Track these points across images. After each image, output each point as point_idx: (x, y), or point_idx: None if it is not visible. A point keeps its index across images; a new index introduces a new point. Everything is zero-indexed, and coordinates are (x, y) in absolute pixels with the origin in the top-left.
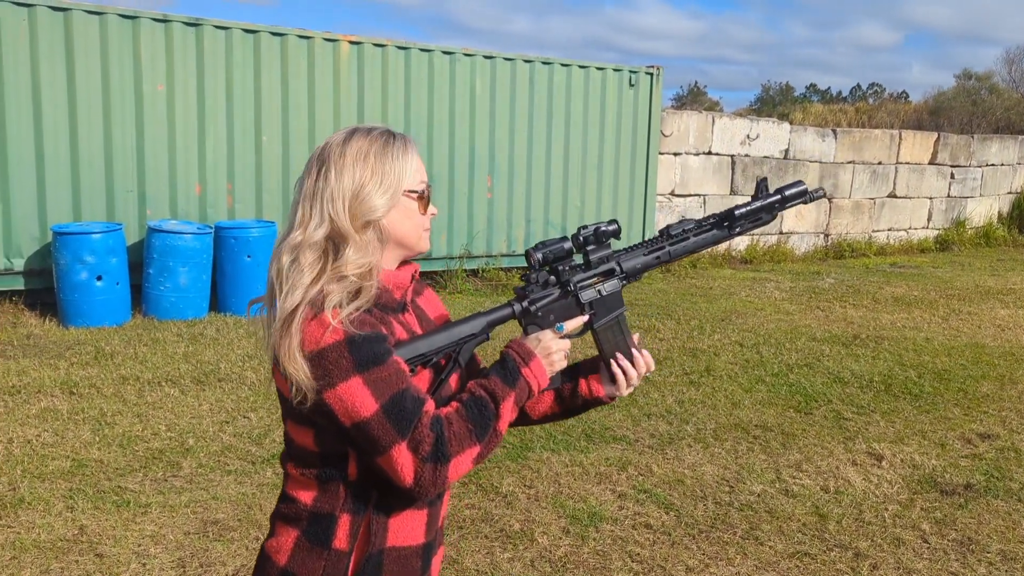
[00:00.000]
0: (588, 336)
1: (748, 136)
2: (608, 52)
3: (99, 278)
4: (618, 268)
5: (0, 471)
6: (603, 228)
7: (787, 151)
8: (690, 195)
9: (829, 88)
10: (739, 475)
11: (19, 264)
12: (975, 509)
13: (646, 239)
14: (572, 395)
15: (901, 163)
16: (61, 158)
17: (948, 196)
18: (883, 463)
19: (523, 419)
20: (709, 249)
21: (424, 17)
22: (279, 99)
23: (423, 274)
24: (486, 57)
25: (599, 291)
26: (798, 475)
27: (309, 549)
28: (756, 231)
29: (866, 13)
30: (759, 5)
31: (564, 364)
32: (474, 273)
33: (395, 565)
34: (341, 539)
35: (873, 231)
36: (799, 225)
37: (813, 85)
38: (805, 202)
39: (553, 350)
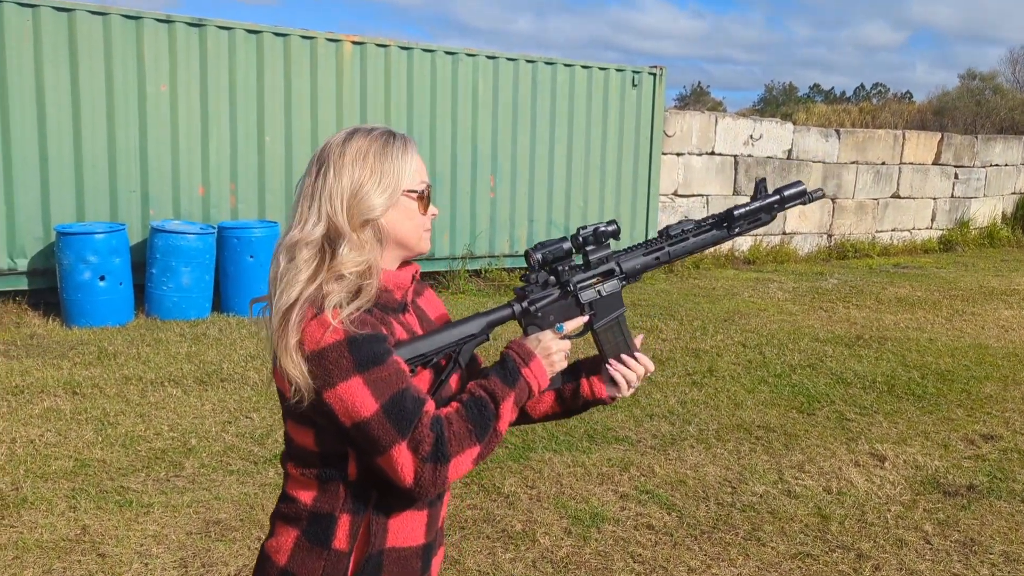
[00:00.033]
0: (588, 336)
1: (751, 136)
2: (611, 52)
3: (102, 278)
4: (618, 268)
5: (3, 471)
6: (602, 228)
7: (790, 151)
8: (693, 195)
9: (833, 88)
10: (741, 476)
11: (23, 264)
12: (978, 510)
13: (646, 240)
14: (573, 395)
15: (905, 163)
16: (65, 159)
17: (952, 196)
18: (886, 464)
19: (524, 418)
20: (712, 250)
21: (427, 17)
22: (282, 99)
23: (426, 274)
24: (489, 57)
25: (599, 291)
26: (800, 476)
27: (309, 549)
28: (759, 232)
29: (870, 13)
30: (762, 5)
31: (564, 365)
32: (477, 273)
33: (395, 565)
34: (341, 539)
35: (877, 231)
36: (802, 226)
37: (817, 85)
38: (804, 203)
39: (553, 350)
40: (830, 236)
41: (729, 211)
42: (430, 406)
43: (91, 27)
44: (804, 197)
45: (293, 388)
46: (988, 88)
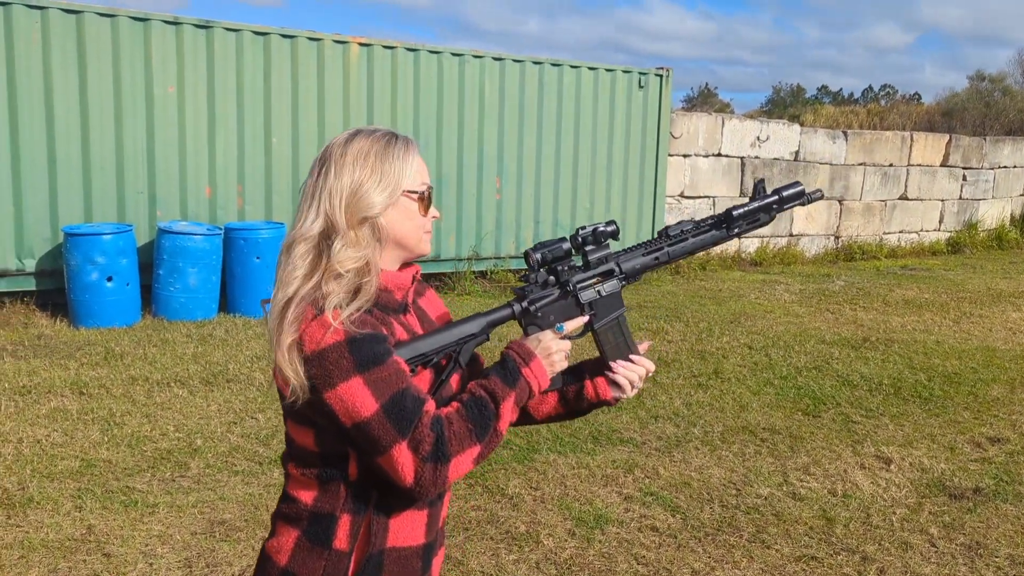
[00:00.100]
0: (589, 336)
1: (758, 138)
2: (619, 54)
3: (109, 279)
4: (617, 269)
5: (10, 470)
6: (601, 229)
7: (797, 153)
8: (699, 197)
9: (841, 90)
10: (746, 478)
11: (31, 265)
12: (984, 513)
13: (645, 240)
14: (577, 397)
15: (912, 165)
16: (73, 160)
17: (960, 198)
18: (891, 467)
19: (527, 419)
20: (719, 252)
21: (434, 19)
22: (289, 101)
23: (432, 276)
24: (495, 59)
25: (599, 291)
26: (805, 478)
27: (310, 549)
28: (766, 233)
29: (879, 14)
30: (770, 6)
31: (564, 365)
32: (483, 275)
33: (395, 565)
34: (341, 539)
35: (884, 233)
36: (809, 227)
37: (825, 87)
38: (803, 203)
39: (553, 350)
40: (837, 238)
41: (728, 211)
42: (430, 406)
43: (99, 29)
44: (803, 198)
45: (291, 387)
46: (997, 90)
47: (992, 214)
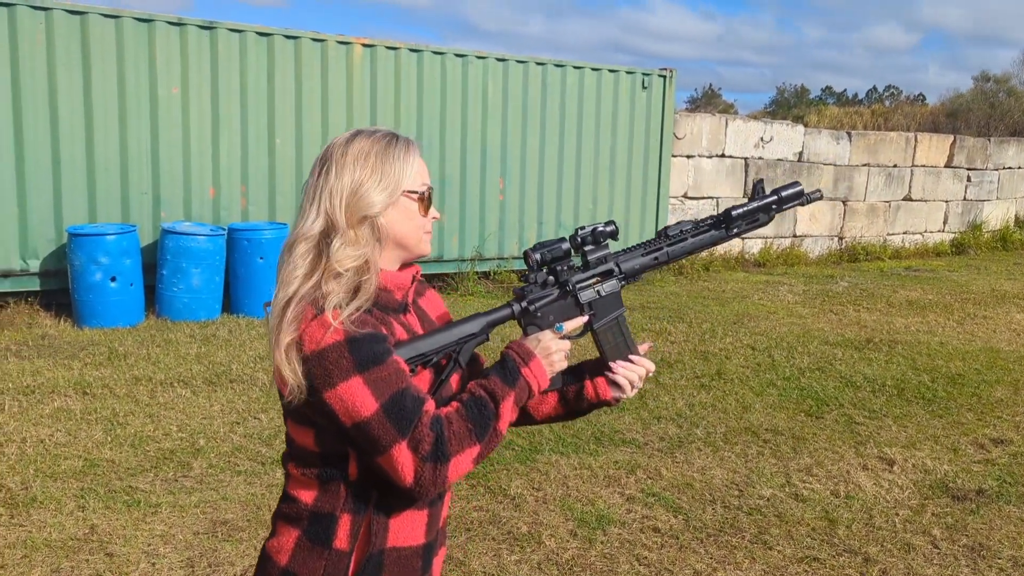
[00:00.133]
0: (588, 336)
1: (762, 139)
2: (622, 55)
3: (113, 279)
4: (616, 269)
5: (13, 470)
6: (600, 229)
7: (801, 154)
8: (703, 198)
9: (845, 90)
10: (748, 479)
11: (35, 265)
12: (987, 515)
13: (645, 240)
14: (577, 397)
15: (917, 166)
16: (77, 161)
17: (964, 199)
18: (894, 468)
19: (527, 420)
20: (722, 252)
21: (437, 19)
22: (292, 101)
23: (435, 276)
24: (499, 60)
25: (598, 291)
26: (808, 479)
27: (310, 549)
28: (769, 234)
29: (882, 15)
30: (774, 7)
31: (564, 364)
32: (486, 275)
33: (395, 565)
34: (342, 539)
35: (888, 234)
36: (813, 228)
37: (829, 87)
38: (802, 203)
39: (553, 350)
40: (841, 239)
41: (727, 211)
42: (430, 406)
43: (103, 30)
44: (802, 198)
45: (288, 387)
46: (1002, 90)
47: (996, 215)
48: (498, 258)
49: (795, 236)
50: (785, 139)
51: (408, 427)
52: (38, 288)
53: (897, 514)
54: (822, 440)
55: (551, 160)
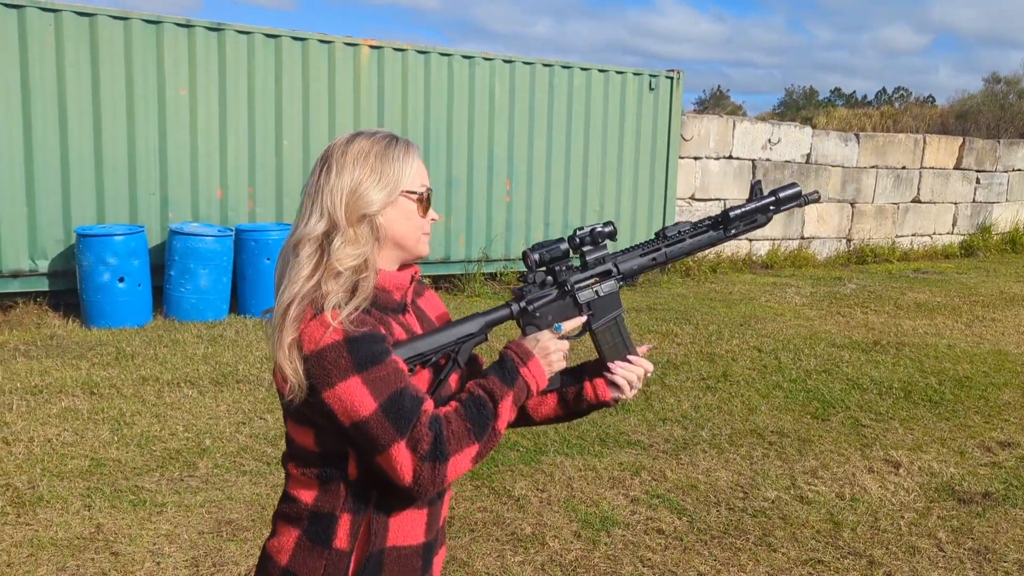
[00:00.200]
0: (587, 337)
1: (769, 140)
2: (630, 56)
3: (121, 279)
4: (615, 269)
5: (20, 469)
6: (599, 229)
7: (809, 155)
8: (710, 199)
9: (854, 92)
10: (753, 481)
11: (44, 266)
12: (993, 518)
13: (643, 241)
14: (576, 398)
15: (925, 168)
16: (85, 162)
17: (973, 201)
18: (900, 471)
19: (526, 421)
20: (730, 254)
21: (445, 21)
22: (300, 103)
23: (442, 277)
24: (505, 61)
25: (596, 292)
26: (813, 482)
27: (310, 549)
28: (777, 236)
29: (891, 16)
30: (783, 8)
31: (563, 364)
32: (492, 276)
33: (395, 565)
34: (342, 539)
35: (896, 236)
36: (821, 230)
37: (838, 89)
38: (800, 205)
39: (551, 350)
40: (849, 241)
41: (725, 212)
42: (429, 405)
43: (112, 32)
44: (800, 199)
45: (289, 386)
46: (1012, 92)
47: (1006, 217)
48: (505, 259)
49: (803, 238)
50: (793, 141)
51: (407, 426)
52: (47, 288)
53: (903, 517)
54: (828, 442)
55: (558, 161)
